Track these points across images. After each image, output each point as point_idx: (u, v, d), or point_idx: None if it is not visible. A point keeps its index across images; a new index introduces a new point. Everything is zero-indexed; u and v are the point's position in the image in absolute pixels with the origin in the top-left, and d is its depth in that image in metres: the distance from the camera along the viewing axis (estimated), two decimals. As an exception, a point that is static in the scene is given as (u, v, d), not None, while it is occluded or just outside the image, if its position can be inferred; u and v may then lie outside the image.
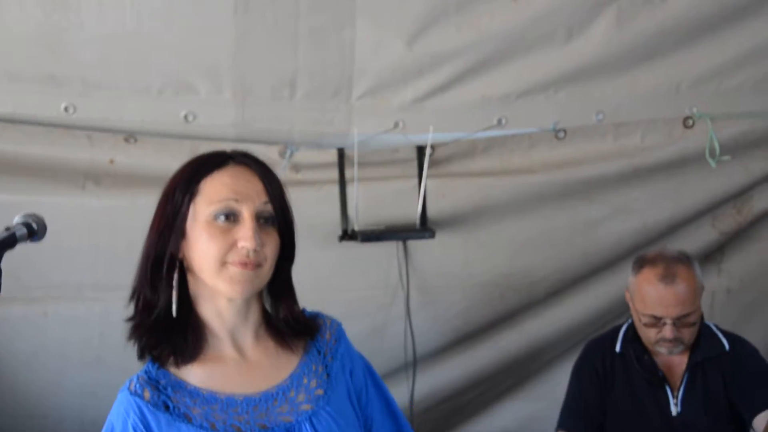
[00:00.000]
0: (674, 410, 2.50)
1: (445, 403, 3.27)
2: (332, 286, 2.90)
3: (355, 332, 1.73)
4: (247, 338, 1.53)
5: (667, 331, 2.42)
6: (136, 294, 1.48)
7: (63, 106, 2.62)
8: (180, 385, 1.47)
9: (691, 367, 2.51)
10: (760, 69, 3.01)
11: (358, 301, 2.98)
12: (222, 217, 1.42)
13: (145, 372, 1.48)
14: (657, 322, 2.43)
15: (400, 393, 3.05)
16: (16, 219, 1.45)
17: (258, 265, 1.44)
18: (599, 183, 3.05)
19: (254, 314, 1.53)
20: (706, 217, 3.18)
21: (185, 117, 2.72)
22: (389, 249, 2.97)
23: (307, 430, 1.48)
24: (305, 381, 1.53)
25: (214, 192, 1.43)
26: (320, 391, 1.53)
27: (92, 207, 2.68)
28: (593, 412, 2.57)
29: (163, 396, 1.45)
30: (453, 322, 3.14)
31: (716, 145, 2.99)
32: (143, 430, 1.42)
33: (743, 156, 3.08)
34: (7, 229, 1.41)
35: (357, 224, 2.83)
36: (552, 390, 3.00)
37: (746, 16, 2.92)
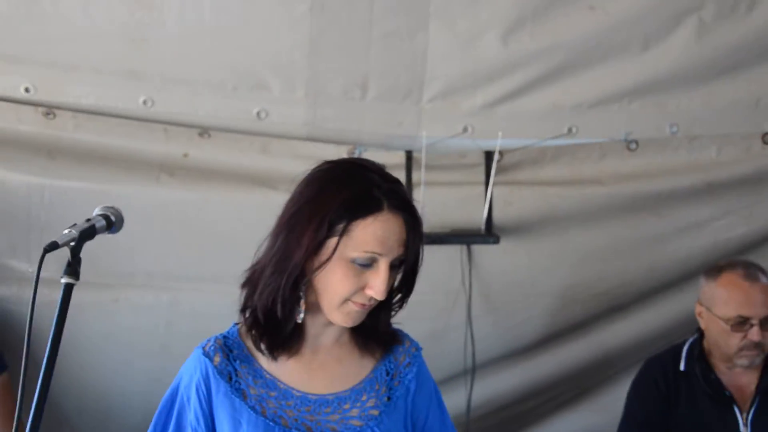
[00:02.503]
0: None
1: (502, 410, 3.25)
2: (393, 287, 2.91)
3: (414, 335, 1.76)
4: (327, 340, 1.58)
5: (754, 334, 2.36)
6: (269, 291, 1.49)
7: (142, 99, 2.69)
8: (249, 361, 1.54)
9: (764, 389, 2.44)
10: None
11: (418, 304, 2.88)
12: (362, 261, 1.46)
13: (224, 337, 1.56)
14: (744, 324, 2.37)
15: (457, 399, 3.04)
16: (96, 211, 1.50)
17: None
18: (670, 197, 2.98)
19: None
20: (781, 238, 3.09)
21: (258, 114, 2.77)
22: (453, 253, 2.96)
23: None
24: (364, 398, 1.57)
25: (364, 241, 1.44)
26: (375, 412, 1.56)
27: (165, 199, 2.74)
28: (653, 430, 2.52)
29: (230, 366, 1.52)
30: (514, 331, 3.12)
31: (796, 164, 2.91)
32: (204, 391, 1.51)
33: (824, 176, 2.98)
34: (88, 220, 1.46)
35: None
36: (612, 404, 2.94)
37: (833, 31, 2.83)
